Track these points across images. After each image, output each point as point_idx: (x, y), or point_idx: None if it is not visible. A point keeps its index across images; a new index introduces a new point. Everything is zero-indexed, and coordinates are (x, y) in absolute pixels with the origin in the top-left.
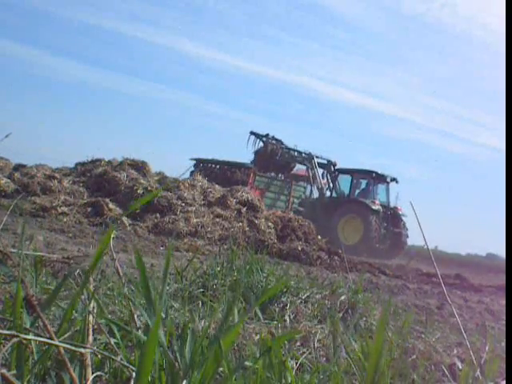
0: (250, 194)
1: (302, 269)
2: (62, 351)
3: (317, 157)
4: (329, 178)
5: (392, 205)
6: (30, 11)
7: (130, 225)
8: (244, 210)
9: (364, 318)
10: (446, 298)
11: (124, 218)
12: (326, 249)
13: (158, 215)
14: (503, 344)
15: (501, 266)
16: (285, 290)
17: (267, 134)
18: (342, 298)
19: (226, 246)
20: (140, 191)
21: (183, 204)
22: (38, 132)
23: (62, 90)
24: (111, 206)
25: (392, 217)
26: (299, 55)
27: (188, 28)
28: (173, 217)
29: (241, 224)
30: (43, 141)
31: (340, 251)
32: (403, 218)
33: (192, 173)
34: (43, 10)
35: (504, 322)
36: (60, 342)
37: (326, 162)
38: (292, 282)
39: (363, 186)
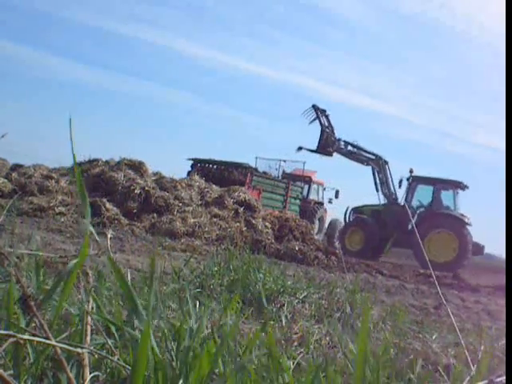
0: (247, 194)
1: (299, 269)
2: (59, 351)
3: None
4: (407, 185)
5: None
6: (31, 12)
7: (127, 225)
8: (241, 209)
9: (361, 318)
10: (442, 299)
11: (122, 218)
12: (323, 249)
13: (155, 215)
14: (501, 343)
15: (498, 266)
16: (282, 290)
17: (324, 110)
18: (340, 298)
19: (223, 246)
20: (137, 191)
21: (180, 204)
22: (36, 132)
23: (62, 90)
24: (108, 206)
25: None
26: (299, 55)
27: (188, 28)
28: (170, 217)
29: (238, 224)
30: (41, 141)
31: (337, 251)
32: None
33: (189, 173)
34: (44, 11)
35: (501, 322)
36: (57, 342)
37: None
38: (289, 282)
39: (437, 195)
